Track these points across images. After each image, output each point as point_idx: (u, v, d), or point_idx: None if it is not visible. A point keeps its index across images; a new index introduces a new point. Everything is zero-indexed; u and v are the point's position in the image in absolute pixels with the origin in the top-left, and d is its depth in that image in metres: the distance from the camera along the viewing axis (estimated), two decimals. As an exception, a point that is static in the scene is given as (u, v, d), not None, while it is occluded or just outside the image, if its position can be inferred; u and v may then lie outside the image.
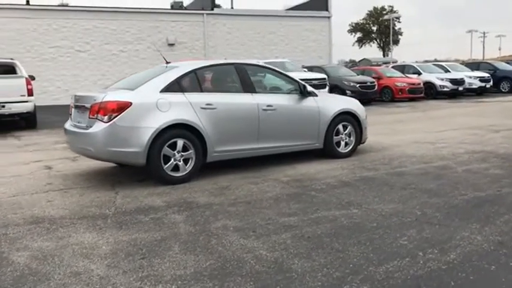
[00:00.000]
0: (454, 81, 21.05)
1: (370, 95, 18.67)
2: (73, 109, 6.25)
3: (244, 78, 6.47)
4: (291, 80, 7.00)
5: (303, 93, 6.85)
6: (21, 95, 12.05)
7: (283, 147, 6.75)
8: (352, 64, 52.33)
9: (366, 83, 18.65)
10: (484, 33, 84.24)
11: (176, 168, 5.78)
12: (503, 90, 23.21)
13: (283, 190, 5.45)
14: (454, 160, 6.93)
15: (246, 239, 3.90)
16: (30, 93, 12.20)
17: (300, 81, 6.98)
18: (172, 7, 27.18)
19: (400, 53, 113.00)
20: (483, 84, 22.06)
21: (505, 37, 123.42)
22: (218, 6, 32.40)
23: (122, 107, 5.49)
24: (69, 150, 6.82)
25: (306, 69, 18.91)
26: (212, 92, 6.32)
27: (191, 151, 5.85)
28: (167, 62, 6.59)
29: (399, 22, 78.74)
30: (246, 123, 6.30)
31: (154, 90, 5.78)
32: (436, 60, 44.62)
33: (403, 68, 22.48)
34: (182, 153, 5.79)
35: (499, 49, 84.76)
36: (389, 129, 10.81)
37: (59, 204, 5.08)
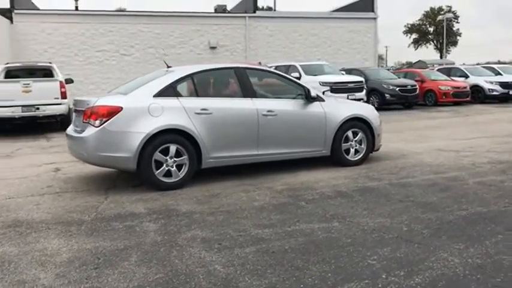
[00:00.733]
0: (504, 84, 19.84)
1: (411, 99, 17.95)
2: (74, 113, 6.32)
3: (244, 82, 6.30)
4: (296, 84, 6.77)
5: (308, 98, 6.60)
6: (55, 98, 12.45)
7: (286, 154, 6.52)
8: (407, 66, 50.82)
9: (406, 86, 17.94)
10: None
11: (169, 173, 5.70)
12: None
13: (272, 199, 5.25)
14: (471, 170, 6.46)
15: (208, 252, 3.75)
16: (63, 96, 12.58)
17: (306, 85, 6.73)
18: (216, 10, 27.36)
19: (459, 55, 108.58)
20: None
21: None
22: (261, 8, 32.32)
23: (113, 111, 5.47)
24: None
25: (343, 72, 18.45)
26: (209, 97, 6.20)
27: (185, 157, 5.75)
28: (168, 66, 6.54)
29: (457, 23, 75.93)
30: (245, 128, 6.13)
31: (148, 94, 5.73)
32: (499, 63, 42.21)
33: (449, 71, 21.48)
34: (175, 159, 5.71)
35: None
36: (417, 136, 10.30)
37: (45, 208, 5.11)
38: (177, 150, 5.71)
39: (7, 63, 13.57)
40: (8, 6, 22.58)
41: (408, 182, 5.86)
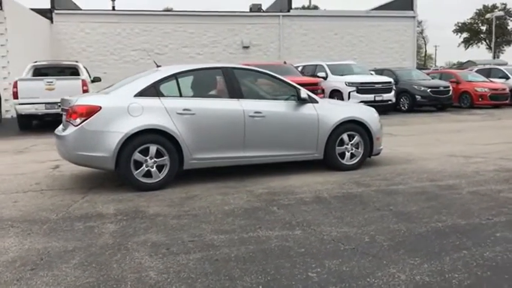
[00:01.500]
0: (548, 87, 18.75)
1: (443, 101, 17.20)
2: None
3: (231, 82, 6.17)
4: (288, 85, 6.56)
5: (300, 100, 6.39)
6: (77, 96, 12.71)
7: (275, 156, 6.34)
8: (457, 66, 48.96)
9: (438, 87, 17.21)
10: None
11: (149, 174, 5.65)
12: None
13: (245, 204, 5.09)
14: (472, 178, 6.07)
15: (151, 257, 3.65)
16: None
17: (298, 86, 6.51)
18: (251, 10, 27.31)
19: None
20: None
21: None
22: (301, 8, 32.00)
23: (91, 111, 5.48)
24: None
25: (372, 72, 17.94)
26: (193, 97, 6.11)
27: (165, 157, 5.69)
28: (157, 66, 6.50)
29: (512, 21, 72.49)
30: (230, 130, 6.00)
31: (128, 94, 5.70)
32: None
33: (488, 72, 20.50)
34: (155, 160, 5.65)
35: None
36: (434, 139, 9.83)
37: (21, 205, 5.18)
38: (157, 151, 5.65)
39: (35, 62, 14.00)
40: (48, 6, 23.44)
41: (396, 190, 5.56)
